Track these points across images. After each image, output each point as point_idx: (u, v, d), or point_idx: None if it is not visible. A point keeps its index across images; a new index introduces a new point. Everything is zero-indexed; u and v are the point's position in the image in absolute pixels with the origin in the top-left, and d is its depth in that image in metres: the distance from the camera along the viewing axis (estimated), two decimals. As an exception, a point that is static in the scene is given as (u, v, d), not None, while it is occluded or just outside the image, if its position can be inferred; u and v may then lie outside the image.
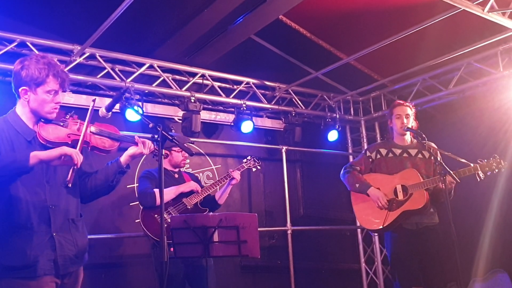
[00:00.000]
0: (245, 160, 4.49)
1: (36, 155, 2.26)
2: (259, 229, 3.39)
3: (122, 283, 5.06)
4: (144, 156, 2.87)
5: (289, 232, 5.91)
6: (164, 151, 2.60)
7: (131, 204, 5.21)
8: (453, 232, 3.33)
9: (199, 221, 3.22)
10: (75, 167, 2.33)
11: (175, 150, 4.13)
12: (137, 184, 4.70)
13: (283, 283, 5.80)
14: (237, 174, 4.23)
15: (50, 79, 2.40)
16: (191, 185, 4.06)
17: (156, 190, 3.86)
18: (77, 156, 2.31)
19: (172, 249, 3.21)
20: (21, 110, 2.46)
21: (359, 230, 6.69)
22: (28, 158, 2.23)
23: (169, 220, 3.71)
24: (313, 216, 6.49)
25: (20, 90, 2.41)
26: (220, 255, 3.31)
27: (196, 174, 5.01)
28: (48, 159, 2.28)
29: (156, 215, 3.84)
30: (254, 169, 4.54)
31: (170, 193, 3.92)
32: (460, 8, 4.13)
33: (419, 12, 4.63)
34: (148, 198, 3.86)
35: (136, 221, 5.20)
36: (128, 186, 5.20)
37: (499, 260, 5.25)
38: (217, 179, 4.27)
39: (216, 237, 3.19)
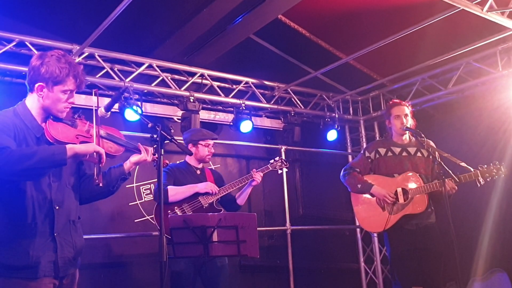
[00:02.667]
0: (272, 161, 4.36)
1: (73, 148, 2.25)
2: (258, 228, 3.40)
3: (122, 283, 5.05)
4: None
5: (288, 231, 5.91)
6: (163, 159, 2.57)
7: (130, 204, 5.21)
8: (452, 232, 3.32)
9: (198, 221, 3.22)
10: (101, 165, 2.33)
11: (201, 144, 4.12)
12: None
13: (282, 282, 5.80)
14: (258, 176, 4.15)
15: (70, 79, 2.36)
16: (207, 187, 4.01)
17: (170, 187, 3.91)
18: (104, 155, 2.36)
19: None
20: (32, 105, 2.41)
21: (358, 229, 6.68)
22: (65, 151, 2.21)
23: None
24: (312, 216, 6.48)
25: (36, 85, 2.36)
26: (220, 255, 3.32)
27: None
28: (84, 153, 2.29)
29: (169, 211, 3.86)
30: (280, 171, 4.38)
31: (185, 191, 3.94)
32: (459, 8, 4.13)
33: (418, 12, 4.63)
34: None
35: (136, 220, 5.23)
36: (127, 186, 5.19)
37: (498, 259, 5.25)
38: (237, 179, 4.18)
39: (215, 237, 3.19)
